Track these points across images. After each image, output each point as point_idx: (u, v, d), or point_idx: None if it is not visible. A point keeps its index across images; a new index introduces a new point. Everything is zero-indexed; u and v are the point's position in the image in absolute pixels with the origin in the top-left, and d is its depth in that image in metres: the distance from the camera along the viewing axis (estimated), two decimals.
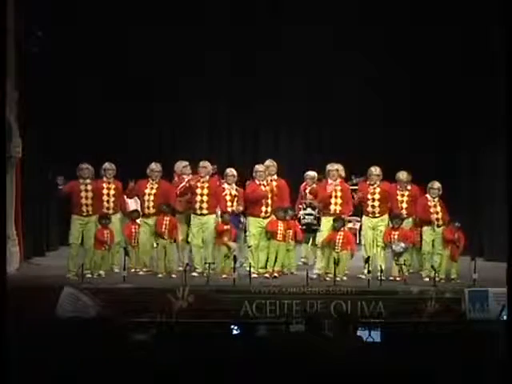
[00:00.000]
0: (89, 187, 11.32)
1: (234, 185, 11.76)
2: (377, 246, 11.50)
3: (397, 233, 11.33)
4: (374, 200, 11.55)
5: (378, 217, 11.55)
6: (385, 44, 14.61)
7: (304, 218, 12.21)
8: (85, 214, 11.28)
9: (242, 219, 11.91)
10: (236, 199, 11.71)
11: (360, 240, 12.55)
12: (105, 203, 11.60)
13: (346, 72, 14.80)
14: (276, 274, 11.41)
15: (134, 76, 14.57)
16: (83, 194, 11.26)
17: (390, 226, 11.45)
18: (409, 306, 10.43)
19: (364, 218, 11.74)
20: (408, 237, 11.36)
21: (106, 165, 11.72)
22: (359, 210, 12.48)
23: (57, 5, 13.29)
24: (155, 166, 11.67)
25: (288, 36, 14.82)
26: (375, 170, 11.60)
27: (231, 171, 11.83)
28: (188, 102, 15.05)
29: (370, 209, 11.57)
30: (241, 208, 11.74)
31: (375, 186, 11.58)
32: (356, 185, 12.03)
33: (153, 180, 11.62)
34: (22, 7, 12.09)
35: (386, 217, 11.59)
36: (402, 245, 11.23)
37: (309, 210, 12.34)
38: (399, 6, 14.17)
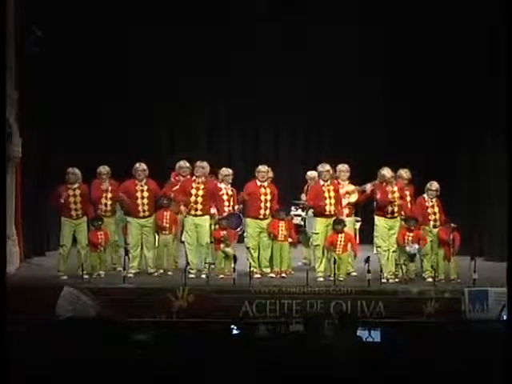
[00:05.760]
0: (77, 192, 11.31)
1: (229, 185, 11.86)
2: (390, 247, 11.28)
3: (411, 234, 11.22)
4: (394, 199, 11.19)
5: (395, 217, 11.32)
6: (385, 44, 14.63)
7: (292, 219, 12.22)
8: (75, 217, 11.30)
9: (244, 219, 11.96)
10: (232, 199, 11.81)
11: (361, 240, 12.55)
12: (102, 206, 11.61)
13: (346, 72, 14.82)
14: (284, 274, 11.44)
15: (134, 76, 14.58)
16: (71, 199, 11.26)
17: (405, 227, 11.24)
18: (409, 306, 10.42)
19: (379, 218, 11.29)
20: (422, 238, 11.24)
21: (100, 168, 11.73)
22: (359, 210, 12.48)
23: (57, 5, 13.30)
24: (140, 166, 11.55)
25: (288, 36, 14.85)
26: (387, 173, 11.25)
27: (228, 171, 11.90)
28: (188, 101, 15.07)
29: (389, 209, 11.24)
30: (240, 207, 11.82)
31: (393, 185, 11.28)
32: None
33: (140, 181, 11.54)
34: (22, 7, 12.10)
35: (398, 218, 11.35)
36: (416, 246, 11.14)
37: (298, 211, 12.38)
38: (399, 6, 14.18)
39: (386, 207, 11.21)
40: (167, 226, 11.46)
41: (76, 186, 11.34)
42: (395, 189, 11.27)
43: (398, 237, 11.20)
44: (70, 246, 11.33)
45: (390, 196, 11.20)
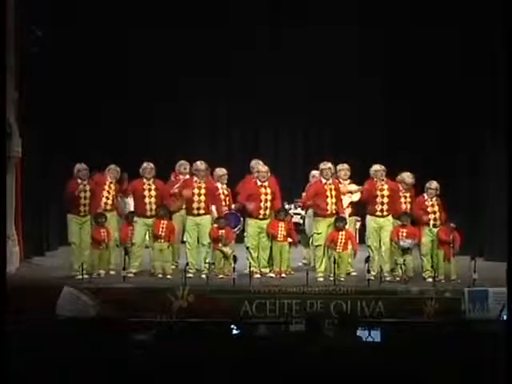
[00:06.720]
0: (87, 187, 11.35)
1: (225, 184, 12.02)
2: (382, 246, 11.34)
3: (405, 230, 11.25)
4: (383, 197, 11.34)
5: (385, 216, 11.38)
6: (385, 44, 14.62)
7: (292, 218, 12.21)
8: (82, 214, 11.32)
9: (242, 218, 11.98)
10: (228, 198, 11.97)
11: (360, 240, 12.53)
12: (104, 199, 11.72)
13: (346, 72, 14.81)
14: (284, 274, 11.44)
15: (134, 76, 14.58)
16: (82, 194, 11.29)
17: (399, 223, 11.31)
18: (409, 306, 10.42)
19: (369, 217, 11.48)
20: (415, 234, 11.27)
21: (112, 166, 11.93)
22: (359, 209, 12.47)
23: (57, 5, 13.30)
24: (148, 165, 11.61)
25: (288, 36, 14.85)
26: (380, 167, 11.39)
27: (222, 171, 12.05)
28: (188, 101, 15.07)
29: (378, 207, 11.34)
30: (236, 206, 11.91)
31: (383, 183, 11.36)
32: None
33: (148, 180, 11.59)
34: (22, 7, 12.10)
35: (390, 217, 11.41)
36: (409, 241, 11.14)
37: (298, 210, 12.40)
38: (399, 6, 14.17)
39: (374, 205, 11.27)
40: (163, 234, 11.45)
41: (86, 182, 11.38)
42: (385, 186, 11.31)
43: (392, 234, 11.25)
44: (80, 242, 11.30)
45: (377, 192, 11.24)
